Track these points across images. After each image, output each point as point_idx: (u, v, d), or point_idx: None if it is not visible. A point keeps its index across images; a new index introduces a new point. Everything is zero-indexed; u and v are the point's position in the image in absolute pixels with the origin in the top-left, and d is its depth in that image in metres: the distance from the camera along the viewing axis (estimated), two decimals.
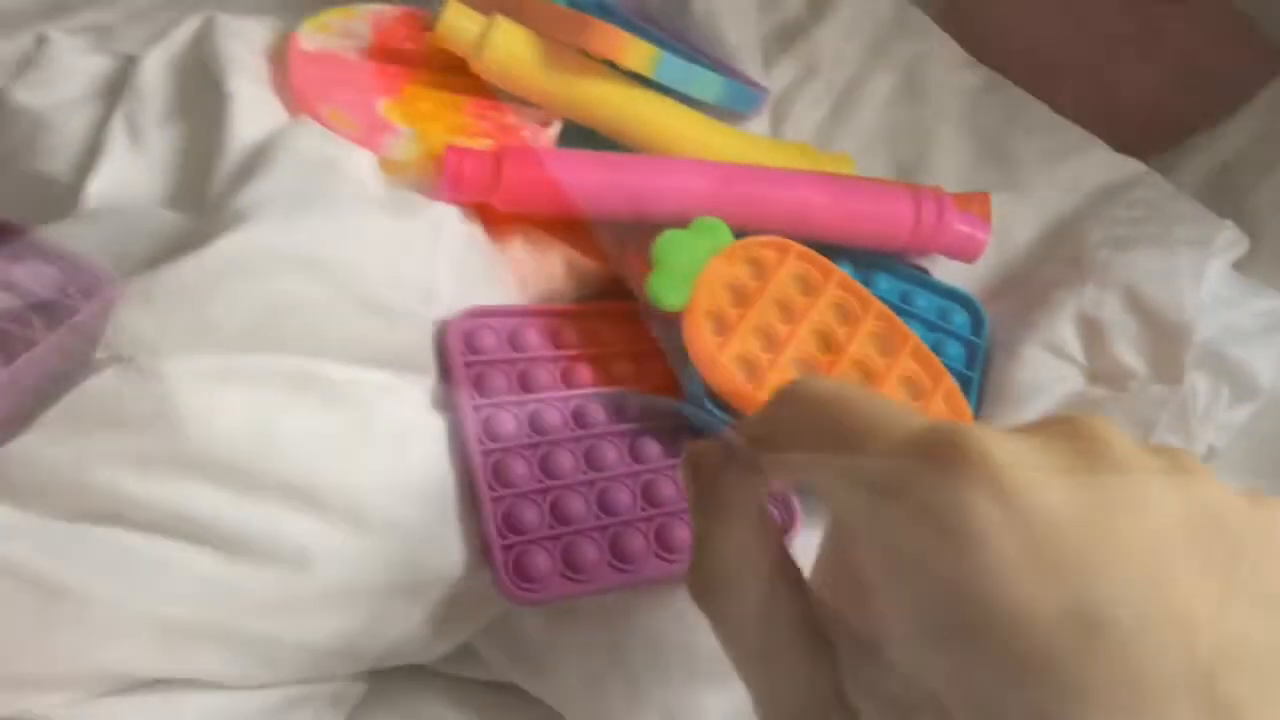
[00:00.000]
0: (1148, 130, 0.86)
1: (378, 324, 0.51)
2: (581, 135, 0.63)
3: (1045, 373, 0.59)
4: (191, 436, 0.45)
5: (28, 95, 0.59)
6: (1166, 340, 0.58)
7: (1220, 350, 0.58)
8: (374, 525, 0.48)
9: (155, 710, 0.47)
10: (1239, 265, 0.68)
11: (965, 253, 0.63)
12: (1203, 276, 0.60)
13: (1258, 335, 0.60)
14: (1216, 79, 0.90)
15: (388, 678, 0.57)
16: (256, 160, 0.53)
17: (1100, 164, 0.73)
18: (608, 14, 0.69)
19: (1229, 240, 0.65)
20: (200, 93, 0.58)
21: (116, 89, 0.59)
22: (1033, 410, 0.58)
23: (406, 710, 0.57)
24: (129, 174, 0.55)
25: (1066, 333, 0.60)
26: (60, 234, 0.51)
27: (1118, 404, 0.57)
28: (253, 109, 0.56)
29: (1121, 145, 0.77)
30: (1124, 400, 0.57)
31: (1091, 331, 0.60)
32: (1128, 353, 0.59)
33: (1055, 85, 0.85)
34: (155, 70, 0.59)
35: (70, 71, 0.61)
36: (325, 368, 0.48)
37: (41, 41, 0.62)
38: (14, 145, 0.58)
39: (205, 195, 0.53)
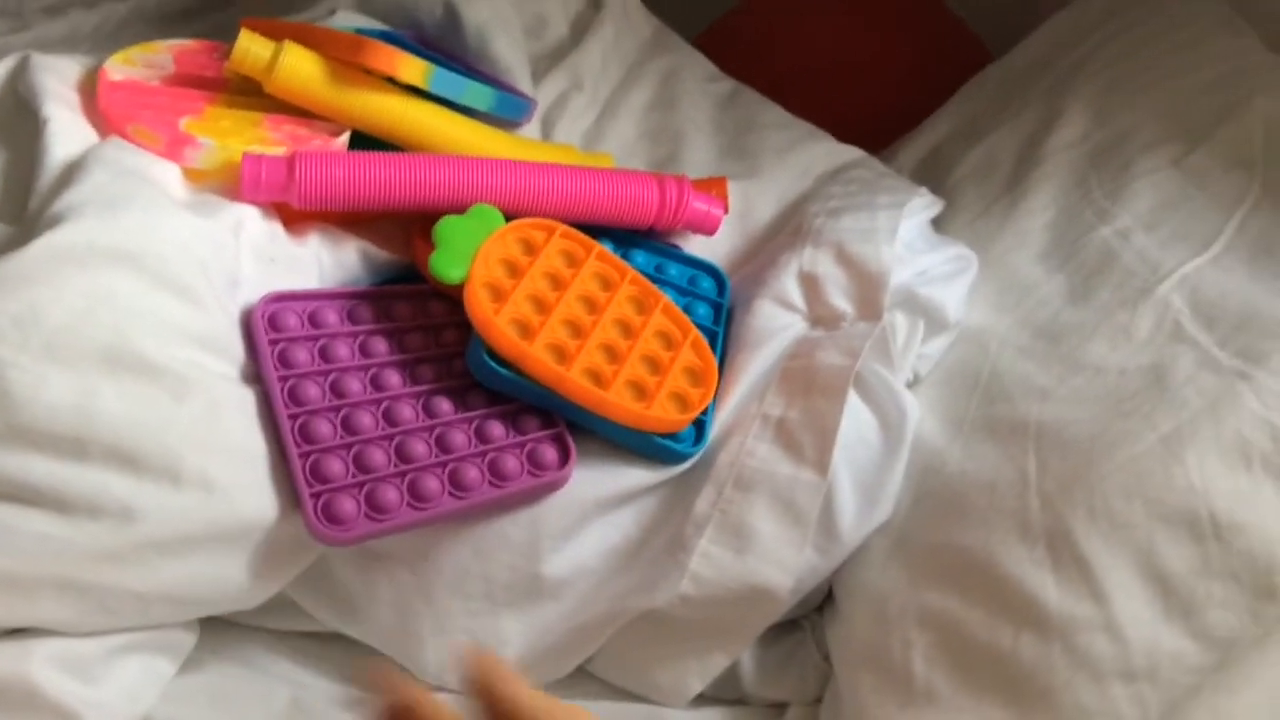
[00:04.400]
0: (880, 125, 0.99)
1: (188, 309, 0.57)
2: (369, 143, 0.71)
3: (775, 322, 0.69)
4: (21, 411, 0.51)
5: None
6: (868, 286, 0.69)
7: (914, 291, 0.69)
8: (191, 481, 0.54)
9: (3, 654, 0.53)
10: (941, 225, 0.80)
11: (705, 227, 0.73)
12: (895, 232, 0.71)
13: (946, 279, 0.72)
14: (938, 80, 1.03)
15: (218, 633, 0.63)
16: (71, 172, 0.59)
17: (826, 153, 0.84)
18: (391, 39, 0.77)
19: (923, 203, 0.77)
20: (18, 121, 0.64)
21: None
22: (766, 351, 0.68)
23: (239, 660, 0.64)
24: None
25: (790, 287, 0.70)
26: None
27: (832, 341, 0.67)
28: (67, 132, 0.62)
29: (862, 138, 0.89)
30: (837, 338, 0.67)
31: (809, 284, 0.70)
32: (838, 298, 0.69)
33: (808, 93, 0.97)
34: None
35: None
36: (141, 347, 0.54)
37: None
38: None
39: (26, 207, 0.59)
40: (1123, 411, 0.61)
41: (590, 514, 0.63)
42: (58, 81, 0.66)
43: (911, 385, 0.70)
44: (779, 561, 0.61)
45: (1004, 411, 0.65)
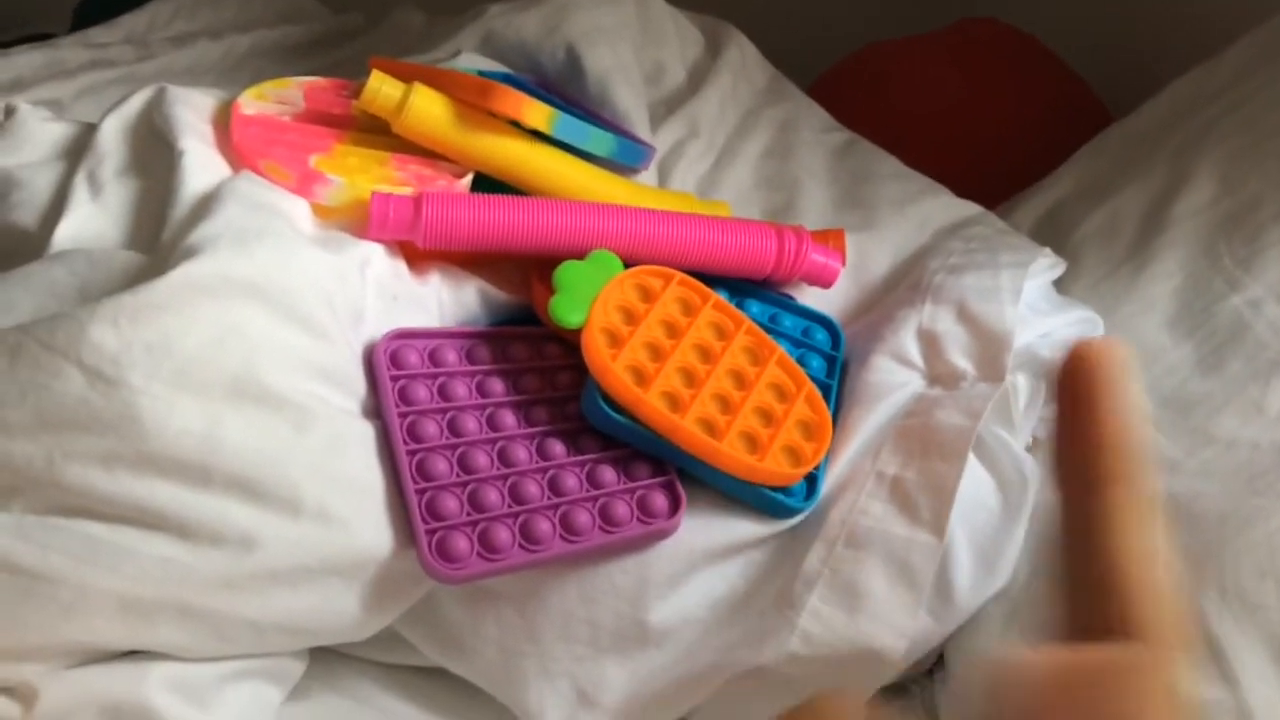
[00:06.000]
0: (995, 181, 0.98)
1: (314, 342, 0.58)
2: (491, 185, 0.71)
3: (892, 378, 0.68)
4: (151, 437, 0.52)
5: None
6: (990, 346, 0.67)
7: (1037, 353, 0.68)
8: (310, 513, 0.55)
9: (121, 676, 0.54)
10: (1062, 286, 0.78)
11: (822, 279, 0.73)
12: (1020, 292, 0.69)
13: (1070, 341, 0.70)
14: (1055, 137, 1.02)
15: (326, 663, 0.64)
16: (206, 204, 0.60)
17: (943, 207, 0.84)
18: (513, 82, 0.78)
19: (1046, 264, 0.75)
20: (154, 152, 0.66)
21: (78, 150, 0.66)
22: (882, 408, 0.67)
23: (344, 691, 0.65)
24: (91, 222, 0.62)
25: (909, 344, 0.69)
26: (32, 272, 0.58)
27: (952, 400, 0.66)
28: (201, 164, 0.64)
29: (975, 192, 0.88)
30: (957, 397, 0.66)
31: (929, 341, 0.69)
32: (959, 357, 0.68)
33: (921, 145, 0.97)
34: (113, 133, 0.67)
35: (36, 136, 0.68)
36: (268, 378, 0.55)
37: (9, 111, 0.69)
38: None
39: (160, 237, 0.60)
40: (1255, 489, 0.59)
41: (698, 564, 0.62)
42: (193, 114, 0.68)
43: (1030, 449, 0.69)
44: (892, 624, 0.60)
45: None
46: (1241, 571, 0.55)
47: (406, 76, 0.70)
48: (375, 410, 0.61)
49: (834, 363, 0.72)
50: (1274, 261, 0.72)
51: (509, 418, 0.64)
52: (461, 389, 0.64)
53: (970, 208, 0.84)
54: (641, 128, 0.84)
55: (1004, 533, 0.63)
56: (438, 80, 0.71)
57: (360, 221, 0.65)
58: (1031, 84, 1.12)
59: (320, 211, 0.65)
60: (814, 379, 0.68)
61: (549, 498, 0.61)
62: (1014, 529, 0.63)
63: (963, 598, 0.62)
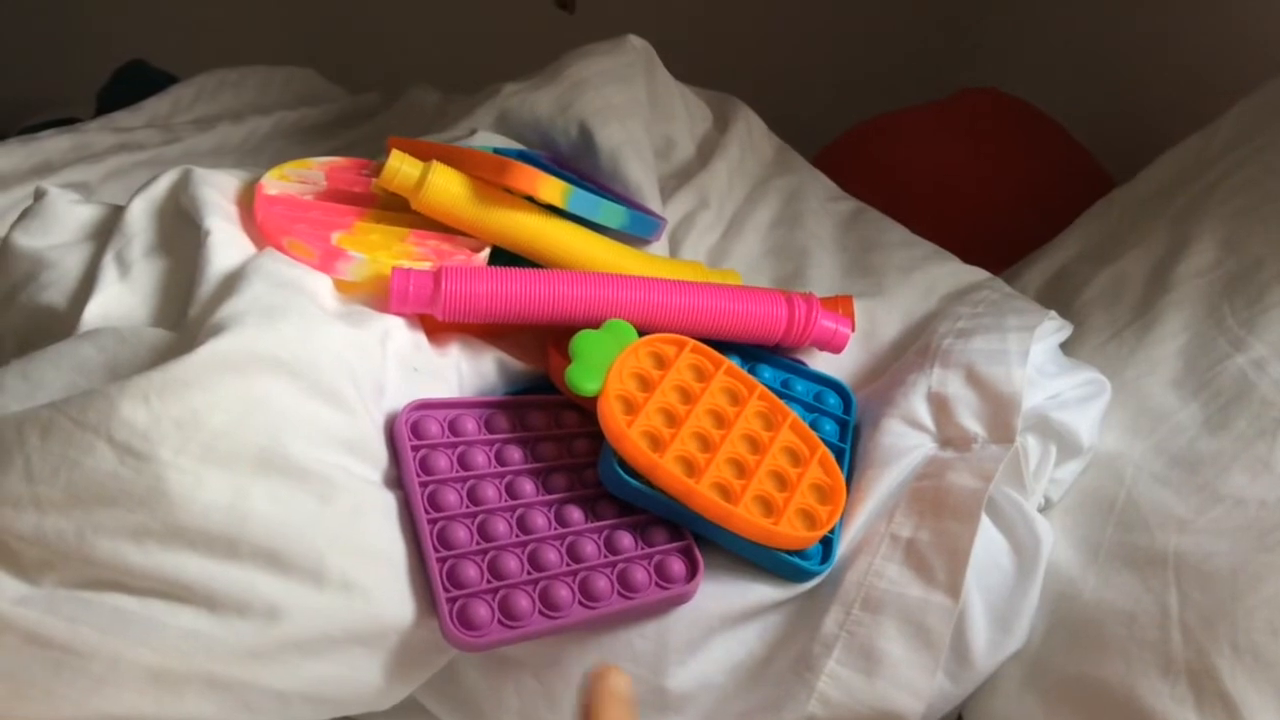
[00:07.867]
0: (1000, 248, 1.00)
1: (337, 415, 0.59)
2: (508, 258, 0.73)
3: (903, 441, 0.69)
4: (179, 510, 0.53)
5: (28, 239, 0.68)
6: (999, 408, 0.68)
7: (1046, 415, 0.69)
8: (333, 583, 0.56)
9: None
10: (1069, 349, 0.79)
11: (832, 344, 0.74)
12: (1027, 355, 0.70)
13: (1078, 403, 0.71)
14: (1057, 204, 1.04)
15: None
16: (232, 282, 0.62)
17: (950, 272, 0.85)
18: (527, 159, 0.81)
19: (1053, 327, 0.77)
20: (180, 231, 0.68)
21: (107, 231, 0.68)
22: (895, 470, 0.68)
23: None
24: (120, 301, 0.64)
25: (919, 407, 0.70)
26: (62, 350, 0.59)
27: (964, 462, 0.67)
28: (226, 243, 0.65)
29: (980, 259, 0.90)
30: (968, 459, 0.67)
31: (939, 405, 0.70)
32: (969, 420, 0.69)
33: (927, 213, 0.99)
34: (140, 214, 0.69)
35: (65, 218, 0.70)
36: (293, 451, 0.56)
37: (39, 194, 0.71)
38: (17, 282, 0.67)
39: (187, 314, 0.62)
40: (1265, 545, 0.59)
41: (716, 629, 0.63)
42: (218, 195, 0.70)
43: (1043, 510, 0.69)
44: (910, 686, 0.60)
45: (1142, 540, 0.64)
46: (1254, 628, 0.56)
47: (424, 155, 0.72)
48: (397, 480, 0.62)
49: (846, 426, 0.73)
50: (1277, 321, 0.73)
51: (528, 485, 0.65)
52: (481, 457, 0.65)
53: (977, 273, 0.86)
54: (653, 200, 0.86)
55: (1019, 593, 0.64)
56: (455, 158, 0.73)
57: (381, 296, 0.66)
58: (1033, 152, 1.14)
59: (342, 287, 0.67)
60: (827, 443, 0.69)
61: (568, 564, 0.62)
62: (1029, 590, 0.64)
63: (979, 659, 0.62)
